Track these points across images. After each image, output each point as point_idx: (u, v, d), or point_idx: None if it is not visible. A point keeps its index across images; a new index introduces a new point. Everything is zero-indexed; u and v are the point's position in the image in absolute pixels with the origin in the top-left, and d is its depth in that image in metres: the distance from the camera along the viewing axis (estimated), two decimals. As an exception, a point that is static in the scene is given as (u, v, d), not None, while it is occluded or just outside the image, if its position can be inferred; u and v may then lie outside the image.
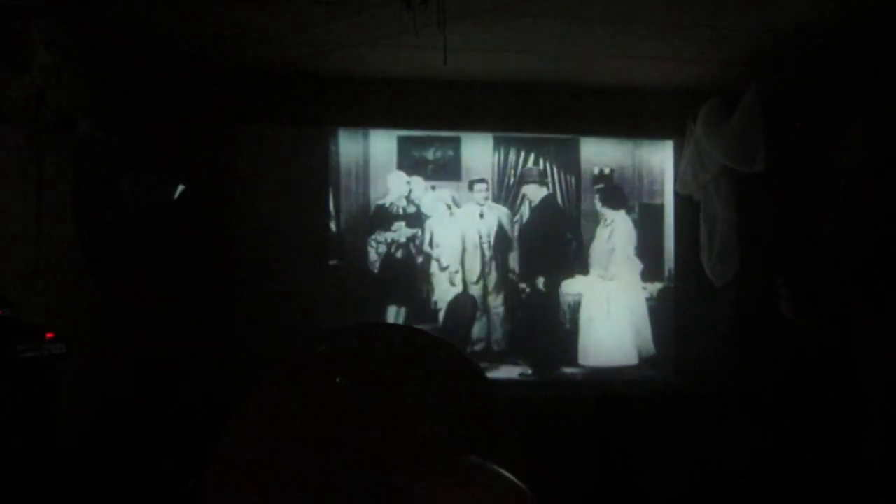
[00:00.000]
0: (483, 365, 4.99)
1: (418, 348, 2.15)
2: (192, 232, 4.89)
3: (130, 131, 4.58)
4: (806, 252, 4.74)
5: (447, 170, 5.35)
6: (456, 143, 5.37)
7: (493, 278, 5.34)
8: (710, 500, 4.68)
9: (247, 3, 3.89)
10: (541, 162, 5.42)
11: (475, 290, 5.32)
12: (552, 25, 4.17)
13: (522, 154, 5.41)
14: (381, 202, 5.28)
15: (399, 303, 5.26)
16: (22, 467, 2.66)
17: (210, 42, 4.41)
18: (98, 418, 4.18)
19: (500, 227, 5.36)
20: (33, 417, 2.78)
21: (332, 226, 5.24)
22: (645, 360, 5.41)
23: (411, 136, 5.34)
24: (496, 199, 5.38)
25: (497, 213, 5.37)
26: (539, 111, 5.29)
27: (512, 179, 5.40)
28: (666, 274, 5.48)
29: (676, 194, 5.43)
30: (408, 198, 5.29)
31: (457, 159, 5.37)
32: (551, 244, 5.41)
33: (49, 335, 2.68)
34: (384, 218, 5.27)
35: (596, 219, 5.45)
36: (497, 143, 5.39)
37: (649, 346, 5.42)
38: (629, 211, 5.47)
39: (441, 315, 5.27)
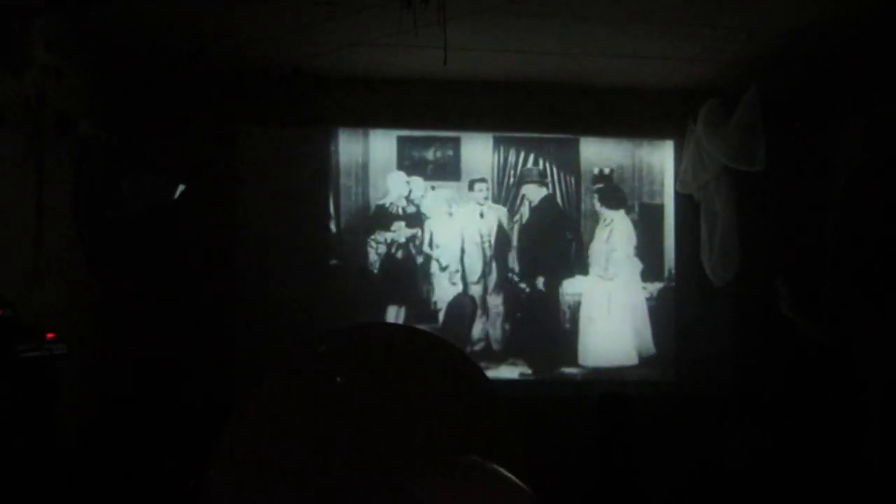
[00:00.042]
0: (483, 365, 4.98)
1: (418, 348, 2.15)
2: (192, 232, 4.90)
3: (130, 131, 4.58)
4: (806, 252, 4.73)
5: (447, 170, 5.35)
6: (456, 143, 5.37)
7: (492, 278, 5.34)
8: (710, 500, 4.68)
9: (247, 3, 3.89)
10: (540, 162, 5.42)
11: (475, 290, 5.32)
12: (552, 25, 4.17)
13: (522, 154, 5.40)
14: (380, 202, 5.28)
15: (399, 303, 5.26)
16: (22, 467, 2.66)
17: (210, 42, 4.40)
18: (98, 418, 4.18)
19: (500, 227, 5.36)
20: (33, 417, 2.78)
21: (332, 226, 5.23)
22: (645, 360, 5.40)
23: (411, 136, 5.33)
24: (496, 200, 5.37)
25: (497, 213, 5.37)
26: (539, 111, 5.29)
27: (512, 179, 5.39)
28: (666, 274, 5.47)
29: (676, 194, 5.43)
30: (408, 198, 5.29)
31: (457, 159, 5.36)
32: (551, 244, 5.40)
33: (49, 335, 2.67)
34: (384, 218, 5.27)
35: (596, 219, 5.45)
36: (497, 143, 5.39)
37: (649, 346, 5.41)
38: (629, 211, 5.47)
39: (441, 315, 5.27)
